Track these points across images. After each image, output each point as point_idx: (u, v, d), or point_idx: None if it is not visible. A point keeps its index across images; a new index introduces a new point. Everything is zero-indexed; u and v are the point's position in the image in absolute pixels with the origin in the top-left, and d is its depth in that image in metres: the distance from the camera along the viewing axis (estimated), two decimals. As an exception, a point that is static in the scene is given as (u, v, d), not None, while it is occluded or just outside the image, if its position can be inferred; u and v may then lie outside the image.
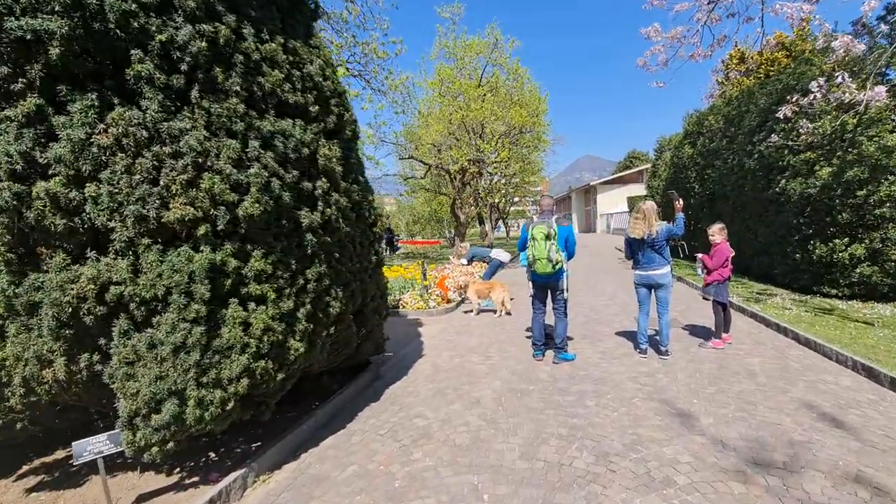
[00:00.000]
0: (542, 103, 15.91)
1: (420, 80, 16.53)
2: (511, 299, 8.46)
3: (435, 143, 15.62)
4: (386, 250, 23.46)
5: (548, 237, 4.71)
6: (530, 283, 5.17)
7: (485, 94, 14.29)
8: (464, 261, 9.63)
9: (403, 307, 8.32)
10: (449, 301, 8.75)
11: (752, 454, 2.89)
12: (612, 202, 38.63)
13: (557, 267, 4.71)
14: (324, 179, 3.33)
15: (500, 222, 32.00)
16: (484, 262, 9.41)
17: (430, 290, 8.77)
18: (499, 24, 15.07)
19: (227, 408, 2.64)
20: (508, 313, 7.71)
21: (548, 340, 5.44)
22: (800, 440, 3.04)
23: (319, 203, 3.27)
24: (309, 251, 3.15)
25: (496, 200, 21.11)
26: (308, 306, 3.12)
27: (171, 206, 2.41)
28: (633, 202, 24.30)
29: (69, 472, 3.03)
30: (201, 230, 2.49)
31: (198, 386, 2.51)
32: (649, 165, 38.69)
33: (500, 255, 9.10)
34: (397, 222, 31.57)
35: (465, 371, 4.85)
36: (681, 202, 4.94)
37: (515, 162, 16.26)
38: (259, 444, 3.28)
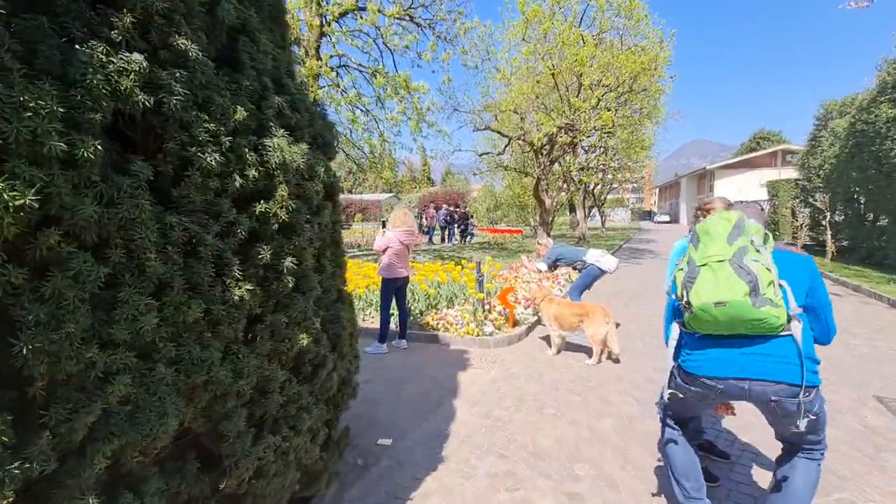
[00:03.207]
0: (663, 49, 11.69)
1: (501, 36, 13.41)
2: (617, 325, 5.37)
3: (517, 108, 12.42)
4: (457, 238, 20.90)
5: (748, 250, 1.76)
6: (671, 373, 2.07)
7: (583, 40, 10.72)
8: (542, 265, 6.13)
9: (446, 329, 5.60)
10: (516, 322, 5.83)
11: None
12: (735, 189, 32.04)
13: (779, 325, 1.67)
14: None
15: (595, 210, 27.55)
16: (574, 268, 6.09)
17: (487, 305, 5.93)
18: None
19: None
20: (615, 360, 4.61)
21: (706, 459, 2.46)
22: None
23: None
24: None
25: (591, 183, 17.25)
26: None
27: None
28: (775, 188, 18.71)
29: None
30: None
31: None
32: (786, 146, 31.44)
33: (600, 259, 5.73)
34: (476, 207, 28.76)
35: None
36: None
37: (623, 129, 12.31)
38: None
